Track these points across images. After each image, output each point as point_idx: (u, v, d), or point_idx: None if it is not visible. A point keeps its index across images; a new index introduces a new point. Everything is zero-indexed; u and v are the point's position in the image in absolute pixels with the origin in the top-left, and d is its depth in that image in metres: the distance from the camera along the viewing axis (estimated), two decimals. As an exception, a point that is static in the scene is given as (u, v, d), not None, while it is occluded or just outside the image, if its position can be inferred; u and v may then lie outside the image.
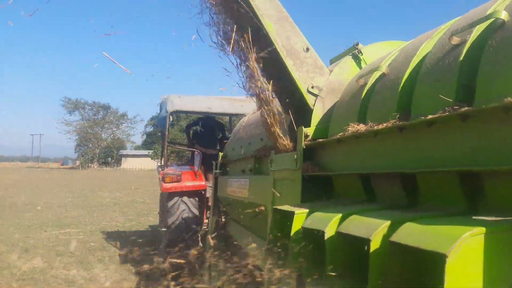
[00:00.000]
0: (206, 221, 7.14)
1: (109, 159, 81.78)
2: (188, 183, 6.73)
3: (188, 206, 6.69)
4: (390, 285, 1.28)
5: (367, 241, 1.39)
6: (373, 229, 1.41)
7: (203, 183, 6.87)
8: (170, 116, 7.02)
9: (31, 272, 6.91)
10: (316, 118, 2.66)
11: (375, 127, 1.85)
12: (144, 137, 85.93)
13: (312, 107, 2.67)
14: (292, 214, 2.04)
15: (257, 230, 3.54)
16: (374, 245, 1.38)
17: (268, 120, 2.70)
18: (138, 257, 7.46)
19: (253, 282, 2.74)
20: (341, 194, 2.37)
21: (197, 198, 6.90)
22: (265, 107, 2.69)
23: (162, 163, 7.83)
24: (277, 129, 2.72)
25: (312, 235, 1.89)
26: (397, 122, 1.73)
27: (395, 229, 1.40)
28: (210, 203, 7.14)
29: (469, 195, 1.46)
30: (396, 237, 1.27)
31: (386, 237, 1.40)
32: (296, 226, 2.02)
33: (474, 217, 1.29)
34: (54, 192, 21.48)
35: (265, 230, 3.39)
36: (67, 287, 6.24)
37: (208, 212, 7.16)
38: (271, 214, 2.99)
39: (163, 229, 7.62)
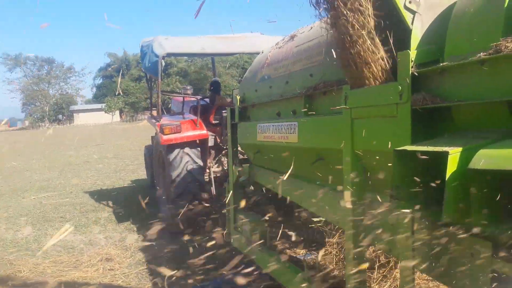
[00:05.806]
0: (207, 171, 6.75)
1: (60, 116, 77.71)
2: (190, 133, 6.20)
3: (191, 157, 6.22)
4: None
5: None
6: None
7: (204, 131, 6.38)
8: (162, 61, 6.29)
9: (25, 242, 6.35)
10: (415, 39, 2.23)
11: None
12: (95, 90, 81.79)
13: (410, 26, 2.24)
14: (445, 154, 1.68)
15: (315, 176, 3.19)
16: None
17: (358, 49, 2.25)
18: (137, 215, 7.05)
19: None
20: (465, 128, 2.02)
21: (199, 148, 6.43)
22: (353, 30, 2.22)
23: (154, 114, 7.19)
24: (368, 57, 2.28)
25: (480, 178, 1.56)
26: None
27: None
28: (211, 153, 6.74)
29: None
30: None
31: None
32: (451, 168, 1.67)
33: None
34: (15, 156, 20.09)
35: (328, 175, 3.05)
36: (68, 254, 5.76)
37: (210, 161, 6.76)
38: (349, 157, 2.63)
39: (158, 188, 7.20)
